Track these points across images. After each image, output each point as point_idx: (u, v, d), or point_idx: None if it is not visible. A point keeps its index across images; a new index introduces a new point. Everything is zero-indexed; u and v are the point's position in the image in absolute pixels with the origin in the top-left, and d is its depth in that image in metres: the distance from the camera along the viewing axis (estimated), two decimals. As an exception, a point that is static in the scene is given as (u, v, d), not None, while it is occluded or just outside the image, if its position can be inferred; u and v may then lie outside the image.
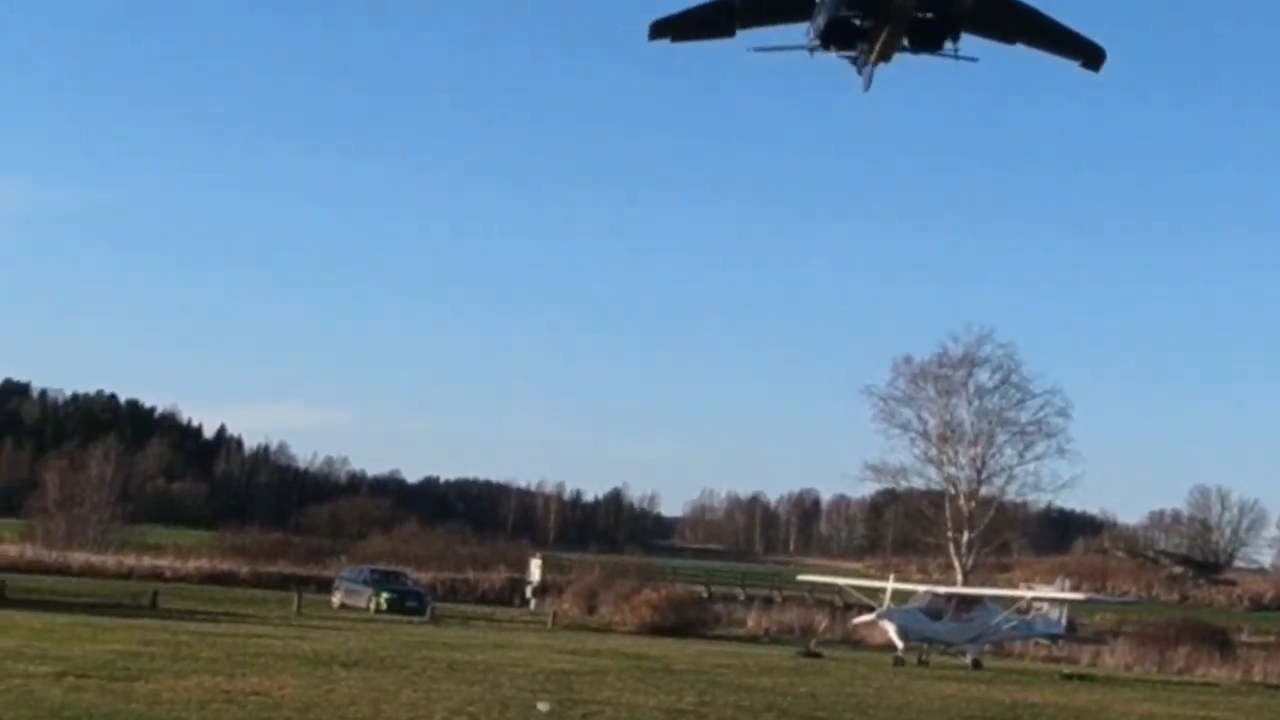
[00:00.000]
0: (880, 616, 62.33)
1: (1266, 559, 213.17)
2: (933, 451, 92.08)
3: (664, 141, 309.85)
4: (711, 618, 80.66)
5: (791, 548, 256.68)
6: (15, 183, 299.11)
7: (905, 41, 19.31)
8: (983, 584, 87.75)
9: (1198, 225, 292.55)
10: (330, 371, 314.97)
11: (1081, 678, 59.43)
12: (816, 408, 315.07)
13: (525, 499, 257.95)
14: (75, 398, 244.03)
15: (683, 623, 73.64)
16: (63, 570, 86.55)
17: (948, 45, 19.32)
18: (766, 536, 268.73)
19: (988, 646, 66.25)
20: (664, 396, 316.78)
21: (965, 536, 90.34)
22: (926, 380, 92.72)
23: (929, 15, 19.03)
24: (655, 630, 70.88)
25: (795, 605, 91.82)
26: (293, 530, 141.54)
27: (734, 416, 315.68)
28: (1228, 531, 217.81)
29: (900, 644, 60.57)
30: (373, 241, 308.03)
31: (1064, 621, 71.54)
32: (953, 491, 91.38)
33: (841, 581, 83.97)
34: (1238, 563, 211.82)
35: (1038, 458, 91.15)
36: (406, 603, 74.28)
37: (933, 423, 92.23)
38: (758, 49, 19.86)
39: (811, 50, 19.50)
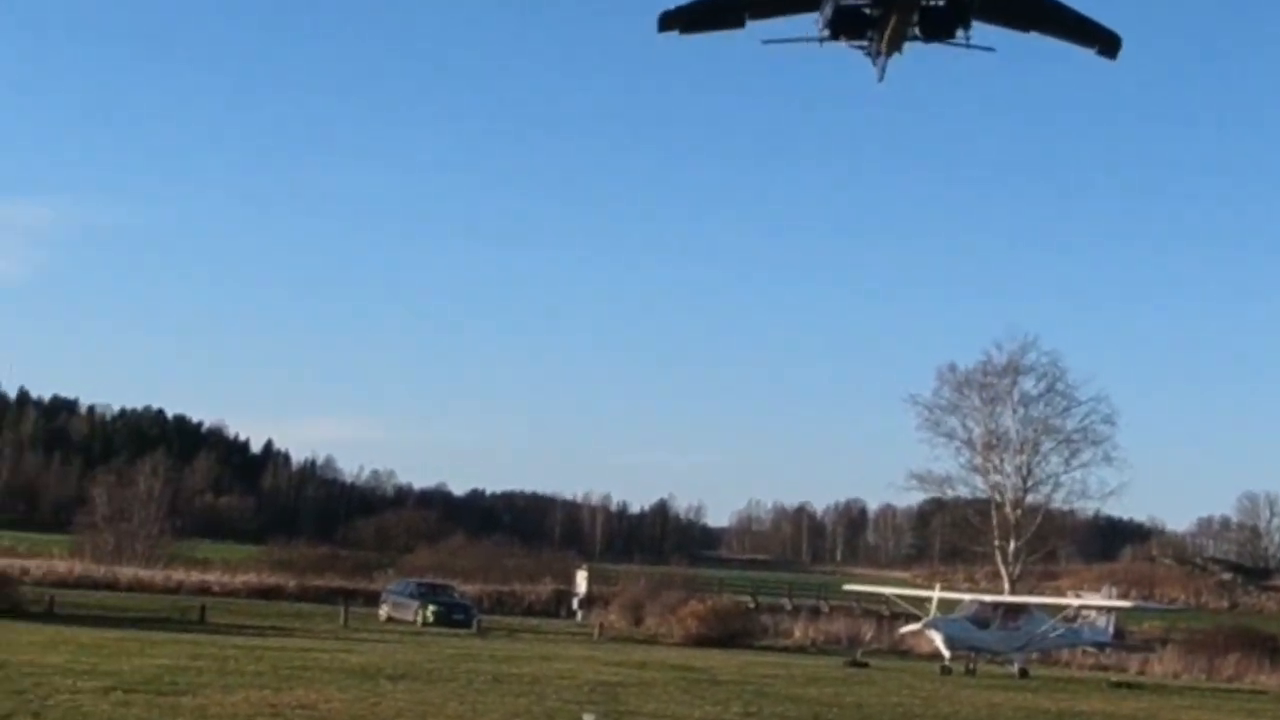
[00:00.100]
0: (927, 626, 62.23)
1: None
2: (978, 460, 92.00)
3: (705, 152, 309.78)
4: (758, 628, 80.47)
5: (838, 557, 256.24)
6: (63, 200, 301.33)
7: (916, 30, 19.05)
8: (1030, 592, 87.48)
9: (1241, 229, 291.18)
10: (376, 385, 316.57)
11: (1129, 686, 59.15)
12: (862, 417, 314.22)
13: (571, 511, 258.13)
14: (123, 413, 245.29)
15: (729, 633, 73.49)
16: (111, 585, 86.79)
17: (960, 34, 19.01)
18: (813, 546, 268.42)
19: (1035, 655, 66.10)
20: (710, 407, 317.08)
21: (1012, 545, 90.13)
22: (971, 388, 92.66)
23: (939, 2, 18.84)
24: (701, 641, 70.76)
25: (842, 615, 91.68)
26: (340, 544, 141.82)
27: (780, 427, 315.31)
28: (1277, 538, 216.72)
29: (947, 653, 60.46)
30: (419, 256, 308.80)
31: (1111, 629, 71.32)
32: (999, 500, 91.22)
33: (887, 591, 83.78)
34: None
35: (1084, 465, 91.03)
36: (453, 615, 74.35)
37: (978, 431, 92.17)
38: (769, 41, 19.71)
39: (821, 40, 19.26)
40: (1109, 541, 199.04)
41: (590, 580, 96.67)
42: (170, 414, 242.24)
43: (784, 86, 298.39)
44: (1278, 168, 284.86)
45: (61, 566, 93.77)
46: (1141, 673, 71.55)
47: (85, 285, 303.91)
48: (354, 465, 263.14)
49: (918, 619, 64.46)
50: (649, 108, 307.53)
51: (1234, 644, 79.80)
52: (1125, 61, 19.29)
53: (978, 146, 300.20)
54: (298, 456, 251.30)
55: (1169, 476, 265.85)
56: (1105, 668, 71.26)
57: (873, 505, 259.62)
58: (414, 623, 73.30)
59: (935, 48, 19.26)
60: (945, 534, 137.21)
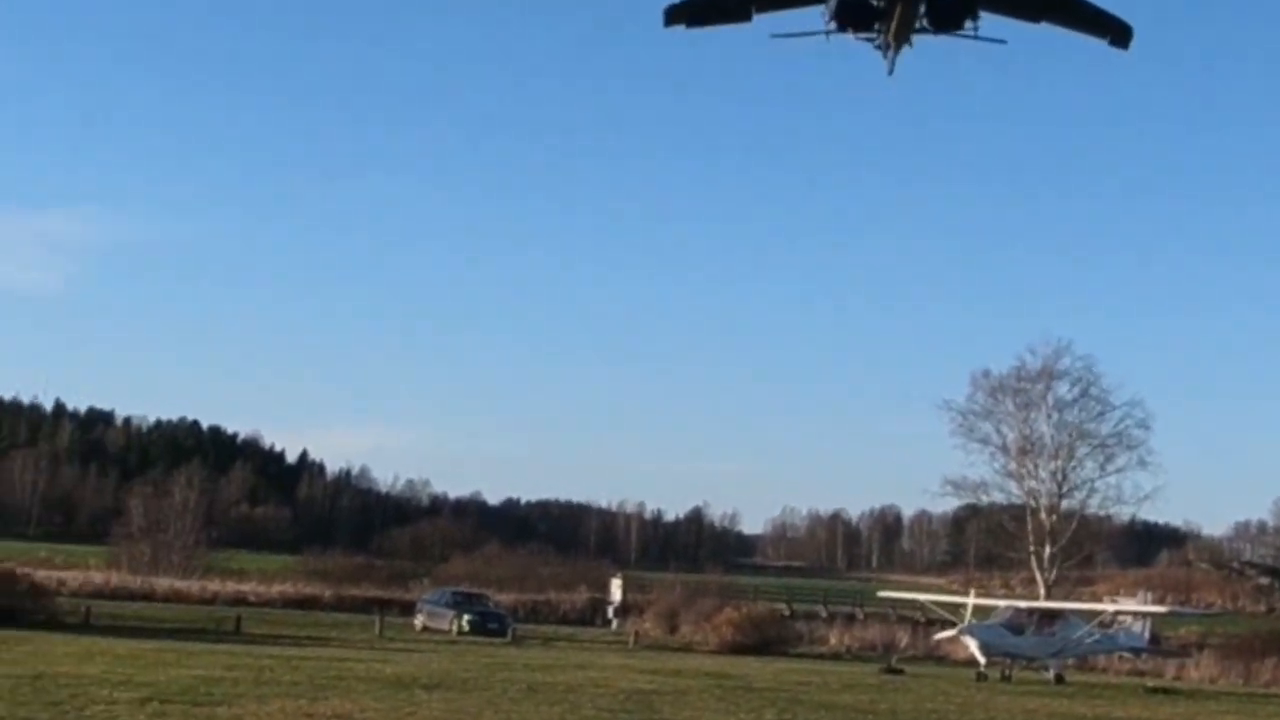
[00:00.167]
0: (962, 632, 62.10)
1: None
2: (1012, 466, 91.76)
3: (733, 159, 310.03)
4: (793, 635, 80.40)
5: (874, 564, 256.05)
6: (96, 212, 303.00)
7: (925, 21, 18.92)
8: (1066, 598, 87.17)
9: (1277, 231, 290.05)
10: (410, 395, 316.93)
11: (1166, 691, 58.95)
12: (896, 423, 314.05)
13: (606, 519, 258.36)
14: (159, 425, 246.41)
15: (764, 641, 73.39)
16: (148, 596, 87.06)
17: (968, 24, 18.85)
18: (849, 553, 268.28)
19: (1071, 661, 65.85)
20: (744, 414, 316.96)
21: (1047, 550, 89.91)
22: (1005, 394, 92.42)
23: None
24: (737, 649, 70.70)
25: (877, 622, 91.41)
26: (375, 553, 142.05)
27: (814, 433, 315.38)
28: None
29: (983, 659, 60.31)
30: (450, 268, 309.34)
31: (1147, 635, 71.07)
32: (1034, 505, 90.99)
33: (922, 597, 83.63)
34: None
35: (1119, 470, 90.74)
36: (488, 624, 74.39)
37: (1012, 437, 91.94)
38: (777, 35, 19.55)
39: (828, 34, 19.08)
40: (1145, 546, 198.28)
41: (625, 588, 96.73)
42: (206, 425, 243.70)
43: (810, 90, 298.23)
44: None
45: (98, 578, 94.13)
46: (1178, 678, 71.31)
47: (120, 297, 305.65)
48: (389, 475, 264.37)
49: (952, 625, 64.35)
50: (675, 118, 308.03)
51: (1271, 648, 79.38)
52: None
53: (1011, 150, 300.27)
54: (333, 466, 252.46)
55: (1205, 480, 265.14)
56: (1142, 673, 70.95)
57: (908, 512, 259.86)
58: (449, 632, 73.34)
59: (948, 40, 19.10)
60: (980, 540, 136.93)
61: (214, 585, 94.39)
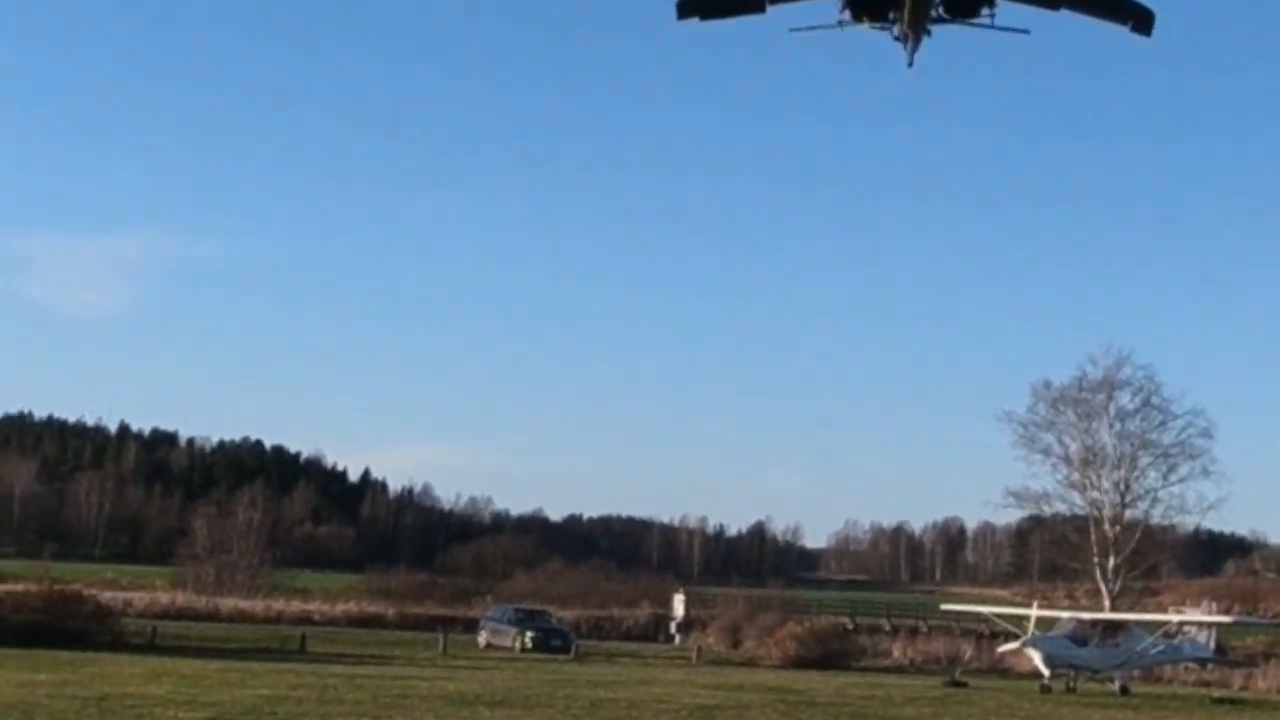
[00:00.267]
0: (1025, 644, 61.90)
1: None
2: (1075, 476, 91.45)
3: (794, 176, 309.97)
4: (856, 649, 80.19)
5: (938, 576, 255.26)
6: (158, 234, 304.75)
7: (941, 10, 18.71)
8: (1131, 609, 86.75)
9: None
10: (472, 412, 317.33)
11: (1232, 702, 58.61)
12: (958, 435, 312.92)
13: (668, 534, 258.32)
14: (222, 445, 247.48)
15: (827, 655, 73.24)
16: (212, 616, 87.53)
17: (985, 12, 18.61)
18: (912, 566, 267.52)
19: (1136, 672, 65.60)
20: (806, 428, 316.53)
21: (1111, 561, 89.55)
22: (1067, 404, 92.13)
23: None
24: (800, 663, 70.60)
25: (941, 635, 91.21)
26: (438, 571, 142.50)
27: (876, 446, 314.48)
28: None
29: (1047, 671, 60.09)
30: (511, 285, 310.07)
31: (1212, 645, 70.69)
32: (1097, 516, 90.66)
33: (985, 610, 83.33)
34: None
35: (1182, 480, 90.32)
36: (551, 641, 74.44)
37: (1074, 447, 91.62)
38: (795, 29, 19.37)
39: (841, 24, 18.86)
40: (1211, 556, 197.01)
41: (688, 603, 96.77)
42: (269, 445, 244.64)
43: (860, 102, 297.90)
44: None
45: (164, 598, 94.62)
46: (1244, 688, 70.86)
47: (182, 318, 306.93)
48: (451, 492, 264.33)
49: (1016, 638, 64.15)
50: (734, 138, 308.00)
51: (1339, 658, 78.93)
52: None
53: (1068, 158, 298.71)
54: (395, 485, 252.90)
55: (1271, 489, 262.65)
56: (1207, 684, 70.61)
57: (971, 523, 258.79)
58: (512, 649, 73.46)
59: (969, 30, 18.87)
60: (1044, 551, 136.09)
61: (278, 605, 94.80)
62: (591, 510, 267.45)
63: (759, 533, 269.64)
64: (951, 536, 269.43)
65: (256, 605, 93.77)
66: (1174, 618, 72.70)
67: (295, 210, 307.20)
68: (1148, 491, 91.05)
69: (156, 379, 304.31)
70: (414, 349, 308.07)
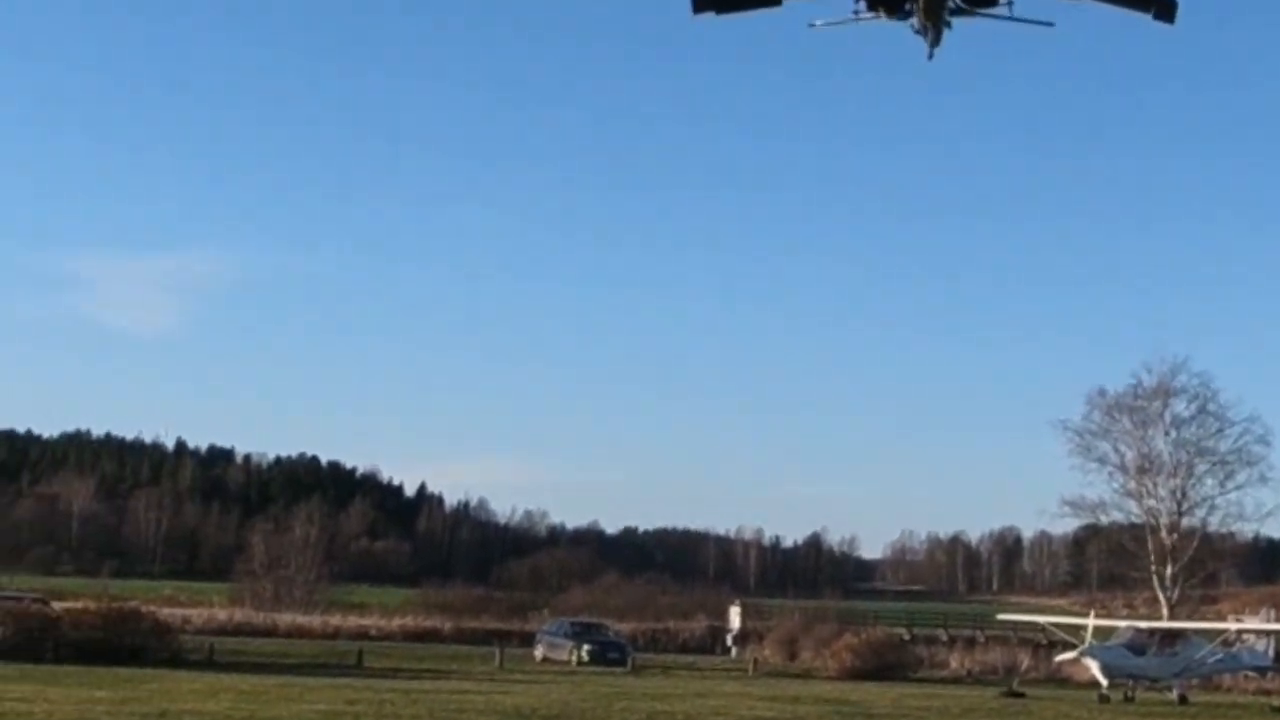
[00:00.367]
0: (1083, 654, 61.57)
1: None
2: (1131, 484, 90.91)
3: (838, 194, 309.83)
4: (913, 660, 79.85)
5: (995, 586, 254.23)
6: (213, 253, 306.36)
7: (959, 0, 18.49)
8: (1189, 617, 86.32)
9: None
10: (527, 426, 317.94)
11: (1292, 710, 58.27)
12: (1013, 444, 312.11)
13: (724, 546, 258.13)
14: (278, 461, 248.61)
15: (884, 666, 72.97)
16: (270, 632, 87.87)
17: (1003, 1, 18.37)
18: (969, 576, 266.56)
19: (1194, 681, 65.17)
20: (861, 438, 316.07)
21: (1169, 569, 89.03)
22: (1122, 412, 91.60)
23: None
24: (856, 675, 70.39)
25: (999, 645, 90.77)
26: (494, 585, 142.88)
27: (931, 456, 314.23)
28: None
29: (1104, 681, 59.77)
30: (564, 299, 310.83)
31: (1271, 653, 70.18)
32: (1154, 524, 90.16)
33: (1042, 619, 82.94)
34: None
35: (1239, 487, 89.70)
36: (608, 654, 74.30)
37: (1130, 455, 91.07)
38: (814, 25, 19.18)
39: (858, 15, 18.69)
40: (1271, 563, 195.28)
41: (744, 616, 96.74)
42: (325, 460, 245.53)
43: (918, 112, 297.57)
44: None
45: (221, 614, 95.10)
46: (1305, 696, 70.39)
47: (237, 335, 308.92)
48: (507, 506, 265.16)
49: (1073, 647, 63.85)
50: (780, 151, 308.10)
51: (1401, 665, 78.19)
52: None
53: (1123, 168, 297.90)
54: (451, 499, 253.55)
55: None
56: (1267, 692, 70.09)
57: (1027, 533, 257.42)
58: (569, 663, 73.39)
59: (992, 23, 18.66)
60: (1101, 560, 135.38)
61: (335, 620, 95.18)
62: (647, 523, 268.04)
63: (815, 544, 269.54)
64: (1008, 546, 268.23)
65: (314, 621, 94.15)
66: (1233, 626, 72.22)
67: (349, 227, 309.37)
68: (1204, 499, 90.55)
69: (213, 396, 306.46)
70: (468, 364, 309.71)
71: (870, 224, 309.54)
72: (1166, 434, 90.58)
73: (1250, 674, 71.06)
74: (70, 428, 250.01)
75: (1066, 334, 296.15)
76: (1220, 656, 65.28)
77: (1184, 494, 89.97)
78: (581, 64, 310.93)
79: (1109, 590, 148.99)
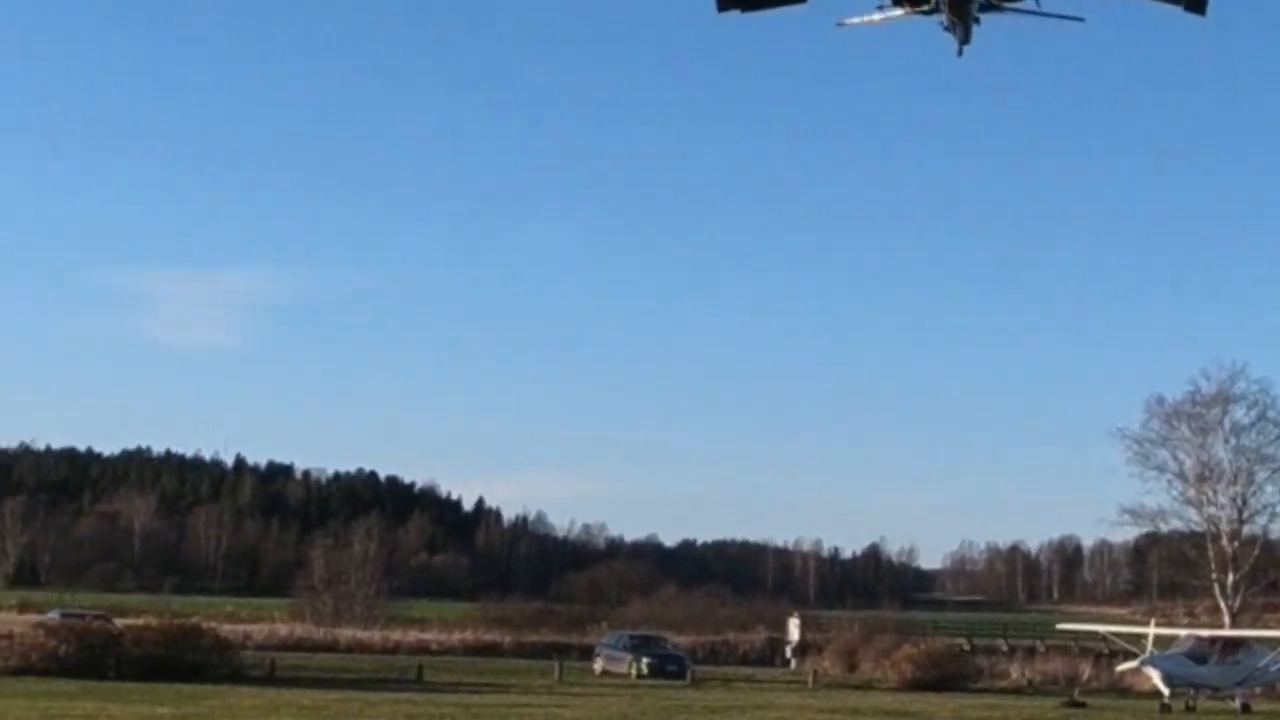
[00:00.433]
0: (1144, 663, 61.29)
1: None
2: (1191, 492, 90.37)
3: (905, 213, 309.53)
4: (974, 670, 79.57)
5: (1055, 596, 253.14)
6: (271, 271, 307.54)
7: None
8: (1253, 625, 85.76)
9: None
10: (584, 439, 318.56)
11: (1356, 718, 57.92)
12: (1071, 452, 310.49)
13: (783, 558, 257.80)
14: (337, 477, 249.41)
15: (944, 677, 72.73)
16: (330, 647, 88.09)
17: None
18: (1029, 585, 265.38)
19: (1257, 689, 64.79)
20: (918, 448, 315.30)
21: (1230, 577, 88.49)
22: (1180, 420, 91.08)
23: None
24: (916, 685, 70.23)
25: (1059, 655, 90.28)
26: (553, 599, 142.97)
27: (990, 465, 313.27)
28: None
29: (1166, 690, 59.49)
30: (620, 314, 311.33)
31: (1334, 661, 69.71)
32: (1214, 532, 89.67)
33: (1102, 629, 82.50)
34: None
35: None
36: (667, 667, 74.23)
37: (1189, 463, 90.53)
38: (842, 23, 19.14)
39: (882, 8, 18.59)
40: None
41: (803, 627, 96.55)
42: (383, 475, 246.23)
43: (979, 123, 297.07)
44: None
45: (282, 630, 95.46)
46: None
47: (295, 352, 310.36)
48: (565, 520, 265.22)
49: (1134, 656, 63.56)
50: (838, 178, 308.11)
51: None
52: None
53: (1170, 174, 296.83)
54: (509, 513, 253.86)
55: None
56: (1331, 700, 69.67)
57: (1087, 542, 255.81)
58: (628, 675, 73.38)
59: (1022, 19, 18.50)
60: (1162, 569, 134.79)
61: (395, 635, 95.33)
62: (705, 535, 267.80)
63: (874, 554, 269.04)
64: (1068, 555, 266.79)
65: (374, 635, 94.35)
66: (1293, 634, 71.76)
67: (406, 245, 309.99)
68: (1265, 506, 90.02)
69: (272, 412, 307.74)
70: (524, 378, 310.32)
71: (923, 234, 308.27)
72: (1226, 441, 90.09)
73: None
74: (131, 445, 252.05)
75: (1124, 341, 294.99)
76: (1282, 664, 64.93)
77: (1244, 501, 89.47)
78: (642, 85, 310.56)
79: (1170, 599, 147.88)
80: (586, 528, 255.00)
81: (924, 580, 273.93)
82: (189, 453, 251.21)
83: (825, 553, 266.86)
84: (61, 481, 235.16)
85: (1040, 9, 18.53)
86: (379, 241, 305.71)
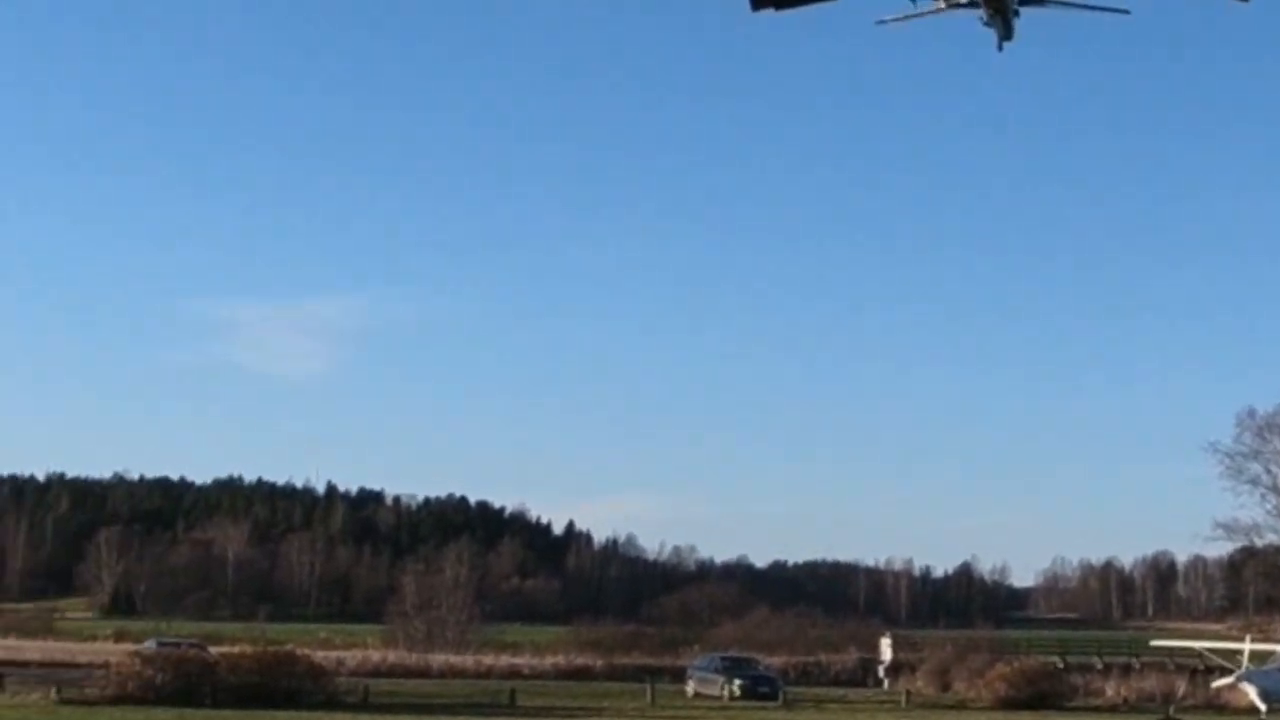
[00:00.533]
0: (1240, 679, 60.91)
1: None
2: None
3: (993, 233, 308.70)
4: (1068, 689, 78.96)
5: (1150, 612, 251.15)
6: (361, 294, 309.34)
7: None
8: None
9: None
10: (674, 462, 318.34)
11: None
12: (1164, 466, 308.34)
13: (875, 577, 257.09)
14: (428, 502, 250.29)
15: (1038, 695, 72.25)
16: (423, 673, 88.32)
17: None
18: (1123, 602, 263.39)
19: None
20: (1009, 464, 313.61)
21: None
22: (1273, 433, 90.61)
23: None
24: (1010, 704, 69.86)
25: (1155, 671, 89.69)
26: (644, 621, 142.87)
27: (1081, 480, 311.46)
28: None
29: (1263, 706, 59.13)
30: (704, 338, 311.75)
31: None
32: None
33: (1197, 645, 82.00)
34: None
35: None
36: (759, 688, 73.97)
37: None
38: (882, 21, 19.04)
39: (916, 3, 18.46)
40: None
41: (895, 647, 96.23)
42: (473, 500, 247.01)
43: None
44: None
45: (375, 656, 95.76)
46: None
47: (384, 377, 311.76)
48: (655, 542, 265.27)
49: (1229, 672, 63.12)
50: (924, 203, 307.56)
51: None
52: None
53: (1250, 187, 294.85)
54: (599, 536, 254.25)
55: None
56: None
57: (1181, 557, 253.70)
58: (720, 697, 73.21)
59: (1064, 12, 18.39)
60: (1258, 583, 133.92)
61: (488, 659, 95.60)
62: (796, 556, 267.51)
63: (966, 573, 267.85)
64: (1162, 571, 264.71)
65: (466, 660, 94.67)
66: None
67: (492, 271, 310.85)
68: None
69: (361, 438, 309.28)
70: (612, 401, 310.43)
71: (1016, 255, 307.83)
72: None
73: None
74: (223, 474, 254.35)
75: (1215, 354, 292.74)
76: (1380, 679, 64.28)
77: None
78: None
79: (1267, 614, 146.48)
80: (677, 550, 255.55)
81: (1016, 598, 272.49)
82: (280, 481, 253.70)
83: (917, 572, 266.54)
84: (155, 511, 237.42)
85: (1084, 1, 18.42)
86: (465, 268, 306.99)
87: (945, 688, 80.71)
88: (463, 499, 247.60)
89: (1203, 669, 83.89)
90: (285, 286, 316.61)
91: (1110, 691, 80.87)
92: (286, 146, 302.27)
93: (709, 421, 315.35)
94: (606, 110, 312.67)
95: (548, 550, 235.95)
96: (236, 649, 69.77)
